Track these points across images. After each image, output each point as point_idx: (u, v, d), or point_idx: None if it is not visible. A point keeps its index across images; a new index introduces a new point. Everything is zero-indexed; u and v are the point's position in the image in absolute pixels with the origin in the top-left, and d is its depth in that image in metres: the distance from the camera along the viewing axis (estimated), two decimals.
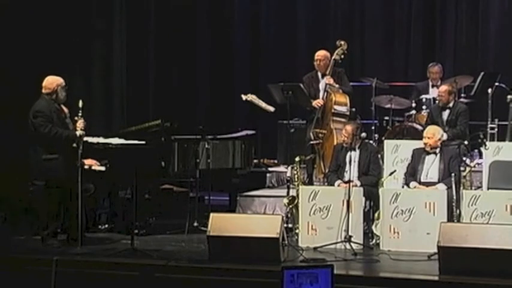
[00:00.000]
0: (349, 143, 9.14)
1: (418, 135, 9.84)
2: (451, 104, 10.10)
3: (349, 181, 8.73)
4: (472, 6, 12.53)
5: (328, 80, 10.12)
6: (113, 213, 9.65)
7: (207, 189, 9.63)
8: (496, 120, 10.74)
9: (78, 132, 8.41)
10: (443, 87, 10.21)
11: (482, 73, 11.01)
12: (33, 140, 8.53)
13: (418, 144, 9.25)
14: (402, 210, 8.52)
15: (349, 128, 9.21)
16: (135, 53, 12.54)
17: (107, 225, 9.60)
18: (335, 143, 9.73)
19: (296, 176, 9.38)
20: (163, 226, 9.49)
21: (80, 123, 8.42)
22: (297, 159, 9.42)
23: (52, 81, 8.63)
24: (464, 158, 9.08)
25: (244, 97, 11.22)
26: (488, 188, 9.04)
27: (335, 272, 5.92)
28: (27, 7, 10.61)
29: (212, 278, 7.56)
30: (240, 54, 13.29)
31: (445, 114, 10.11)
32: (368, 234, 8.89)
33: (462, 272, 7.24)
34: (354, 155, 9.16)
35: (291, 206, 9.16)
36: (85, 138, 8.53)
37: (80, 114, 8.44)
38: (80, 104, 8.44)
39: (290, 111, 10.22)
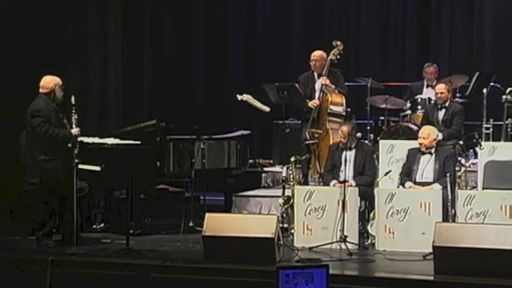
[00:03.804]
0: (345, 143, 9.16)
1: (413, 135, 9.85)
2: (446, 104, 10.12)
3: (344, 181, 8.74)
4: (467, 6, 12.53)
5: (325, 80, 10.12)
6: (108, 213, 9.64)
7: (202, 189, 9.61)
8: (491, 120, 10.74)
9: (74, 130, 8.41)
10: (442, 85, 10.23)
11: (477, 73, 11.02)
12: (31, 140, 8.52)
13: (413, 144, 9.25)
14: (397, 210, 8.53)
15: (345, 128, 9.23)
16: (131, 53, 12.52)
17: (102, 225, 9.61)
18: (331, 143, 9.74)
19: (291, 176, 9.39)
20: (158, 226, 9.48)
21: (73, 119, 8.42)
22: (292, 159, 9.42)
23: (49, 81, 8.63)
24: (459, 158, 9.10)
25: (239, 97, 11.22)
26: (483, 188, 9.06)
27: (330, 272, 5.93)
28: (24, 7, 10.60)
29: (207, 278, 7.56)
30: (235, 54, 13.28)
31: (441, 113, 10.12)
32: (363, 234, 8.90)
33: (457, 272, 7.25)
34: (350, 155, 9.18)
35: (286, 206, 9.16)
36: (80, 138, 8.51)
37: (73, 110, 8.44)
38: (72, 100, 8.43)
39: (285, 111, 10.23)
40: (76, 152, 8.34)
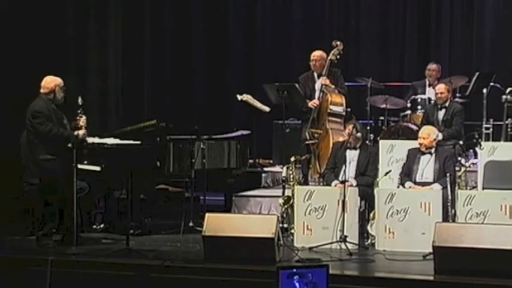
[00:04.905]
0: (350, 143, 9.16)
1: (413, 135, 9.86)
2: (446, 104, 10.13)
3: (344, 181, 8.74)
4: (467, 6, 12.54)
5: (324, 80, 10.12)
6: (108, 213, 9.64)
7: (202, 189, 9.62)
8: (491, 120, 10.74)
9: (82, 131, 8.43)
10: (442, 85, 10.25)
11: (477, 73, 11.03)
12: (31, 140, 8.52)
13: (413, 144, 9.25)
14: (397, 210, 8.53)
15: (351, 127, 9.24)
16: (131, 53, 12.52)
17: (102, 226, 9.61)
18: (331, 143, 9.74)
19: (291, 176, 9.39)
20: (158, 226, 9.48)
21: (83, 121, 8.46)
22: (292, 159, 9.43)
23: (50, 81, 8.64)
24: (459, 158, 9.10)
25: (239, 97, 11.24)
26: (483, 188, 9.06)
27: (330, 272, 5.95)
28: (24, 6, 10.61)
29: (207, 278, 7.56)
30: (235, 54, 13.29)
31: (441, 113, 10.13)
32: (363, 234, 8.90)
33: (457, 272, 7.25)
34: (354, 155, 9.18)
35: (286, 206, 9.16)
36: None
37: (81, 111, 8.47)
38: (80, 101, 8.47)
39: (285, 111, 10.24)
40: (85, 153, 8.39)
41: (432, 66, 11.07)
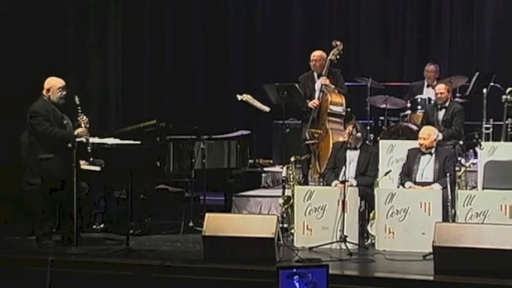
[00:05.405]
0: (351, 143, 9.16)
1: (413, 135, 9.86)
2: (446, 104, 10.13)
3: (344, 181, 8.74)
4: (467, 6, 12.54)
5: (324, 80, 10.13)
6: (108, 213, 9.64)
7: (202, 189, 9.62)
8: (491, 120, 10.75)
9: (79, 130, 8.44)
10: (442, 85, 10.25)
11: (477, 73, 11.03)
12: (32, 140, 8.52)
13: (413, 144, 9.26)
14: (397, 210, 8.53)
15: (351, 127, 9.24)
16: (131, 53, 12.53)
17: (102, 226, 9.61)
18: (331, 143, 9.74)
19: (291, 176, 9.39)
20: (158, 226, 9.48)
21: (83, 120, 8.47)
22: (292, 159, 9.43)
23: (50, 82, 8.64)
24: (459, 158, 9.10)
25: (239, 97, 11.24)
26: (483, 188, 9.06)
27: (330, 272, 5.94)
28: (25, 6, 10.61)
29: (207, 278, 7.56)
30: (235, 54, 13.29)
31: (441, 114, 10.13)
32: (363, 234, 8.90)
33: (457, 272, 7.25)
34: (354, 155, 9.18)
35: (286, 206, 9.16)
36: (79, 139, 8.52)
37: (79, 110, 8.47)
38: (76, 100, 8.48)
39: (285, 111, 10.24)
40: (89, 151, 8.42)
41: (430, 67, 11.07)
